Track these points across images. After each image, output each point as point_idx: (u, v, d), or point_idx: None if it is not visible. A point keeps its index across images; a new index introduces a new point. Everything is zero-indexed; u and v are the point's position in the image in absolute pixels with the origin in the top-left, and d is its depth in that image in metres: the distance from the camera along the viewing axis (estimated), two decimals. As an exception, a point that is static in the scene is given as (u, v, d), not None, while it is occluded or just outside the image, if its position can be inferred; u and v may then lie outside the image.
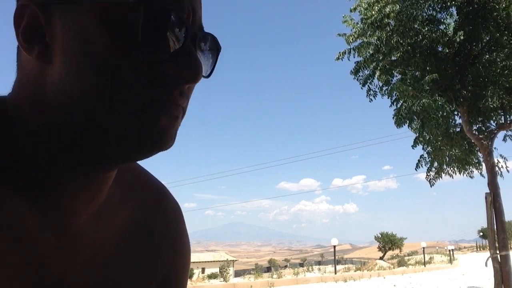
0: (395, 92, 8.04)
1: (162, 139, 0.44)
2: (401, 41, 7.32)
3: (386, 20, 7.40)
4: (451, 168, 9.16)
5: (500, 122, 8.41)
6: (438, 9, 7.64)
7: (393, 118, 7.96)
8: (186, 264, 0.64)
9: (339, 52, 8.13)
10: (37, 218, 0.44)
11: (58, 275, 0.45)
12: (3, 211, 0.42)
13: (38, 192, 0.44)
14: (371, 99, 8.27)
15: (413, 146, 8.79)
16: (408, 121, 7.70)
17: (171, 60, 0.42)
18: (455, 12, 7.77)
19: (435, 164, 9.15)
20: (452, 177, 9.35)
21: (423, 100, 6.95)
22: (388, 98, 8.26)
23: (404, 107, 7.58)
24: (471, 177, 9.22)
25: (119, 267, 0.52)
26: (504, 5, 7.01)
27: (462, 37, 7.60)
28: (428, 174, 9.24)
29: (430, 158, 9.08)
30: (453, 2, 7.50)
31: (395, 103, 8.28)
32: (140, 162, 0.61)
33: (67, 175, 0.45)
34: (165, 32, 0.41)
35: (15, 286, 0.41)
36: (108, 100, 0.41)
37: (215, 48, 0.49)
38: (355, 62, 8.17)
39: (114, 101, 0.41)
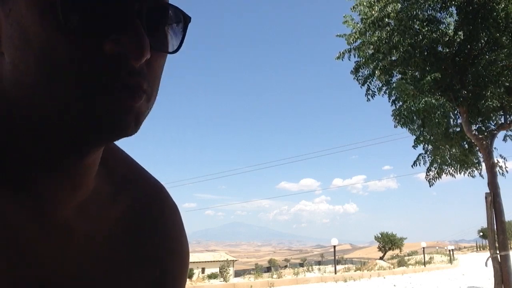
0: (394, 92, 8.03)
1: (117, 126, 0.41)
2: (401, 41, 7.32)
3: (387, 20, 7.40)
4: (452, 168, 9.16)
5: (500, 122, 8.41)
6: (438, 9, 7.64)
7: (392, 117, 7.95)
8: (184, 265, 0.62)
9: (339, 52, 8.14)
10: (21, 211, 0.43)
11: (47, 271, 0.44)
12: None
13: (24, 189, 0.44)
14: (369, 99, 8.28)
15: (414, 146, 8.78)
16: (409, 121, 7.69)
17: (110, 39, 0.40)
18: (455, 12, 7.77)
19: (435, 164, 9.15)
20: (454, 177, 9.33)
21: (425, 99, 6.94)
22: (388, 98, 8.25)
23: (404, 107, 7.58)
24: (472, 176, 9.22)
25: (111, 264, 0.51)
26: (503, 5, 7.01)
27: (462, 37, 7.60)
28: (428, 174, 9.24)
29: (430, 158, 9.07)
30: (453, 2, 7.50)
31: (395, 103, 8.27)
32: (139, 161, 0.61)
33: (40, 166, 0.44)
34: (96, 11, 0.39)
35: (3, 284, 0.40)
36: (50, 89, 0.40)
37: (180, 20, 0.46)
38: (355, 62, 8.18)
39: (56, 90, 0.39)
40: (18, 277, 0.41)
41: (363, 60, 8.01)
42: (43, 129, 0.43)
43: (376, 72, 7.94)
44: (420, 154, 9.11)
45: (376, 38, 7.54)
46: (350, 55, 8.09)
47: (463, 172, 9.14)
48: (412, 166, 9.16)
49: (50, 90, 0.40)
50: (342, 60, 8.13)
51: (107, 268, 0.50)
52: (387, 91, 8.20)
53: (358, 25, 7.93)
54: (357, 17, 8.05)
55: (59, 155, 0.45)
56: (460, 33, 7.60)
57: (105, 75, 0.40)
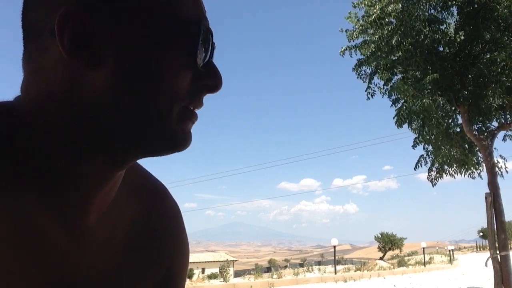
0: (394, 92, 8.02)
1: (186, 143, 0.49)
2: (402, 41, 7.29)
3: (388, 19, 7.37)
4: (452, 168, 9.14)
5: (501, 121, 8.39)
6: (439, 9, 7.62)
7: (393, 118, 7.94)
8: (185, 264, 0.65)
9: (342, 47, 8.10)
10: (50, 217, 0.45)
11: (69, 274, 0.46)
12: (18, 211, 0.42)
13: (54, 193, 0.45)
14: (369, 98, 8.24)
15: (414, 147, 8.77)
16: (408, 121, 7.68)
17: (203, 71, 0.48)
18: (455, 12, 7.76)
19: (436, 164, 9.13)
20: (454, 177, 9.31)
21: (424, 100, 6.93)
22: (388, 98, 8.23)
23: (404, 107, 7.57)
24: (472, 178, 9.19)
25: (125, 266, 0.53)
26: (504, 5, 7.00)
27: (462, 37, 7.59)
28: (430, 174, 9.21)
29: (430, 158, 9.05)
30: (454, 2, 7.49)
31: (395, 104, 8.26)
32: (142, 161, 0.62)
33: (86, 177, 0.47)
34: (206, 50, 0.48)
35: (26, 286, 0.42)
36: (152, 109, 0.45)
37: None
38: (357, 59, 8.15)
39: (157, 111, 0.45)
40: (44, 278, 0.43)
41: (365, 58, 7.98)
42: (109, 144, 0.46)
43: (378, 70, 7.91)
44: (421, 156, 9.10)
45: (377, 37, 7.52)
46: (351, 52, 8.07)
47: (463, 173, 9.12)
48: (414, 168, 9.14)
49: (153, 111, 0.45)
50: (343, 56, 8.09)
51: (122, 271, 0.53)
52: (387, 91, 8.17)
53: (360, 22, 7.89)
54: (360, 15, 8.01)
55: (102, 169, 0.47)
56: (461, 33, 7.59)
57: (194, 103, 0.49)
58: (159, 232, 0.60)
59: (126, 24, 0.44)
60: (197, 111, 0.50)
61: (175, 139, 0.47)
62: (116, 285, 0.51)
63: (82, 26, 0.43)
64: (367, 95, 8.20)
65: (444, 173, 9.17)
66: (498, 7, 7.01)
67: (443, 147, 8.65)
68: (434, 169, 9.16)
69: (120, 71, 0.44)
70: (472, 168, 9.03)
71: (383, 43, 7.45)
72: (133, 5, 0.44)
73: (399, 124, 7.78)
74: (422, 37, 7.44)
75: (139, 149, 0.48)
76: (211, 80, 0.49)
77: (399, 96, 7.97)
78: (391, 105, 8.26)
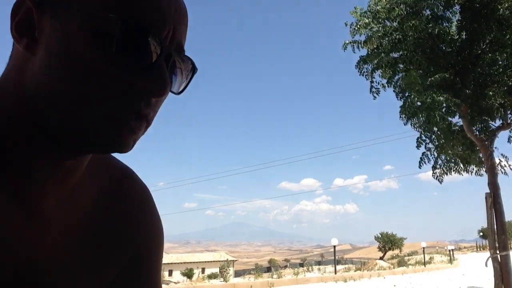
0: (398, 86, 7.90)
1: (120, 146, 0.47)
2: (404, 39, 7.26)
3: (393, 14, 7.32)
4: (458, 166, 9.07)
5: (502, 121, 8.37)
6: (442, 8, 7.61)
7: (399, 113, 7.84)
8: (159, 244, 0.65)
9: (344, 42, 8.01)
10: (5, 200, 0.46)
11: (27, 256, 0.47)
12: None
13: (7, 175, 0.46)
14: (375, 97, 8.13)
15: (418, 146, 8.67)
16: (414, 116, 7.59)
17: (142, 73, 0.46)
18: (458, 11, 7.73)
19: (439, 161, 9.03)
20: (462, 174, 9.22)
21: (434, 95, 6.89)
22: (393, 90, 8.07)
23: (409, 101, 7.49)
24: (480, 175, 9.12)
25: (88, 247, 0.54)
26: (506, 5, 7.00)
27: (464, 36, 7.58)
28: (434, 172, 9.12)
29: (433, 156, 8.96)
30: (456, 1, 7.47)
31: (399, 96, 8.11)
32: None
33: (37, 161, 0.48)
34: (140, 48, 0.45)
35: None
36: (78, 100, 0.44)
37: (191, 70, 0.53)
38: (360, 56, 8.07)
39: (83, 102, 0.44)
40: (4, 260, 0.44)
41: (367, 55, 7.91)
42: (46, 130, 0.47)
43: (380, 68, 7.85)
44: (423, 153, 9.00)
45: (380, 34, 7.47)
46: (353, 46, 7.98)
47: (469, 171, 9.05)
48: (419, 166, 9.00)
49: (76, 101, 0.44)
50: (345, 50, 7.99)
51: (83, 251, 0.54)
52: (391, 83, 7.99)
53: (363, 18, 7.81)
54: (365, 9, 7.93)
55: (49, 156, 0.48)
56: (462, 32, 7.57)
57: (128, 104, 0.46)
58: (126, 214, 0.61)
59: (58, 16, 0.45)
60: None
61: (106, 140, 0.46)
62: (80, 265, 0.53)
63: (28, 13, 0.46)
64: (372, 94, 8.10)
65: (451, 170, 9.05)
66: (500, 7, 7.01)
67: (446, 145, 8.59)
68: (438, 166, 9.06)
69: (47, 59, 0.45)
70: (475, 166, 8.97)
71: (385, 40, 7.40)
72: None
73: (408, 117, 7.67)
74: (426, 35, 7.41)
75: (76, 145, 0.47)
76: (148, 82, 0.46)
77: (405, 88, 7.76)
78: (399, 98, 8.10)
